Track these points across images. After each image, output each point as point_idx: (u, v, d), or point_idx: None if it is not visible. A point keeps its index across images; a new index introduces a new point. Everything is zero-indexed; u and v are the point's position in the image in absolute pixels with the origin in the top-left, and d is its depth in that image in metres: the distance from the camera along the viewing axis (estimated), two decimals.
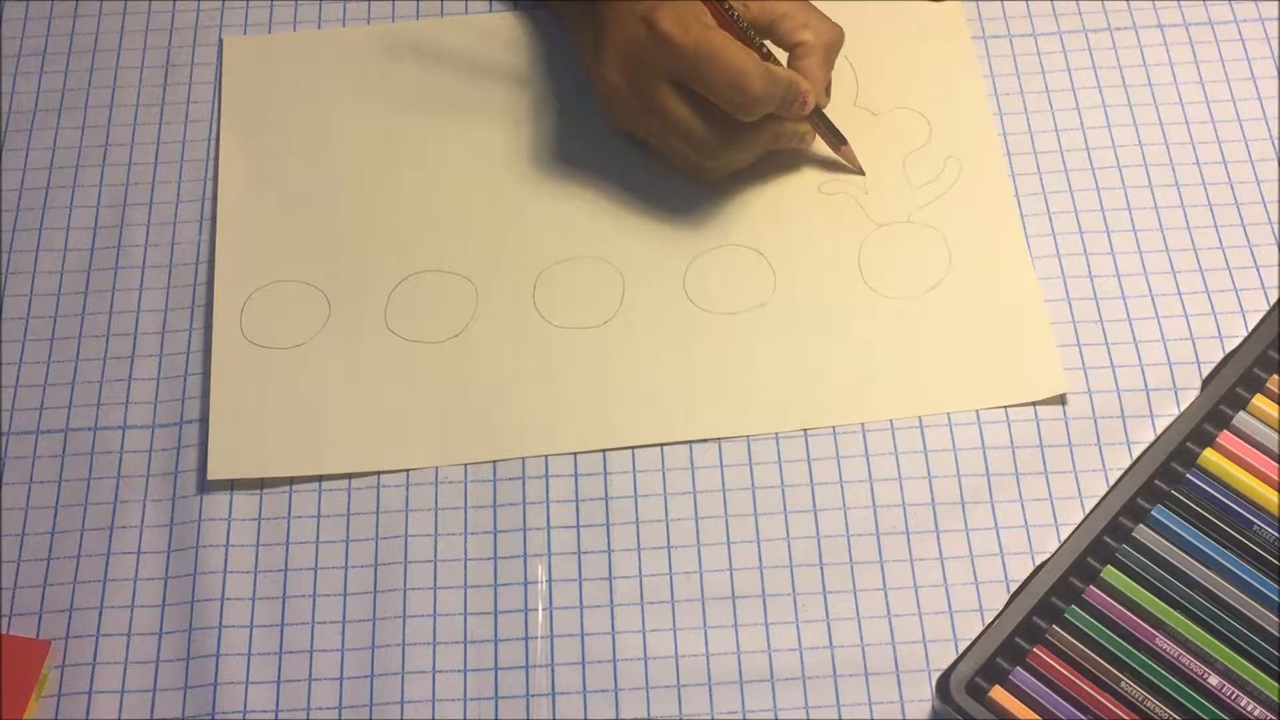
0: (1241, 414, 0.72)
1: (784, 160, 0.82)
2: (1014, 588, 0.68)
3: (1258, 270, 0.78)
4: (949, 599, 0.70)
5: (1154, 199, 0.80)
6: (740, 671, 0.69)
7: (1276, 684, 0.65)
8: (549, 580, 0.71)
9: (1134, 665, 0.66)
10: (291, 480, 0.74)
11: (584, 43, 0.81)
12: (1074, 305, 0.77)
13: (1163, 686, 0.65)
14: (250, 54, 0.87)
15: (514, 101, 0.85)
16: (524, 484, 0.74)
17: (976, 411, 0.74)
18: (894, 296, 0.78)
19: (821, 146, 0.81)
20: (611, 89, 0.78)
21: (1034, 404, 0.74)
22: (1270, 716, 0.64)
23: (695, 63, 0.74)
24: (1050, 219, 0.80)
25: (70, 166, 0.84)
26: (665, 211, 0.81)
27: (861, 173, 0.81)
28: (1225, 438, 0.71)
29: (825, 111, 0.80)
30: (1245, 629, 0.66)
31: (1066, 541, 0.69)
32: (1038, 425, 0.74)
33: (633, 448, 0.74)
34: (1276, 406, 0.72)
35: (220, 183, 0.83)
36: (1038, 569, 0.68)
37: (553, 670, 0.69)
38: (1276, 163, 0.81)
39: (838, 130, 0.80)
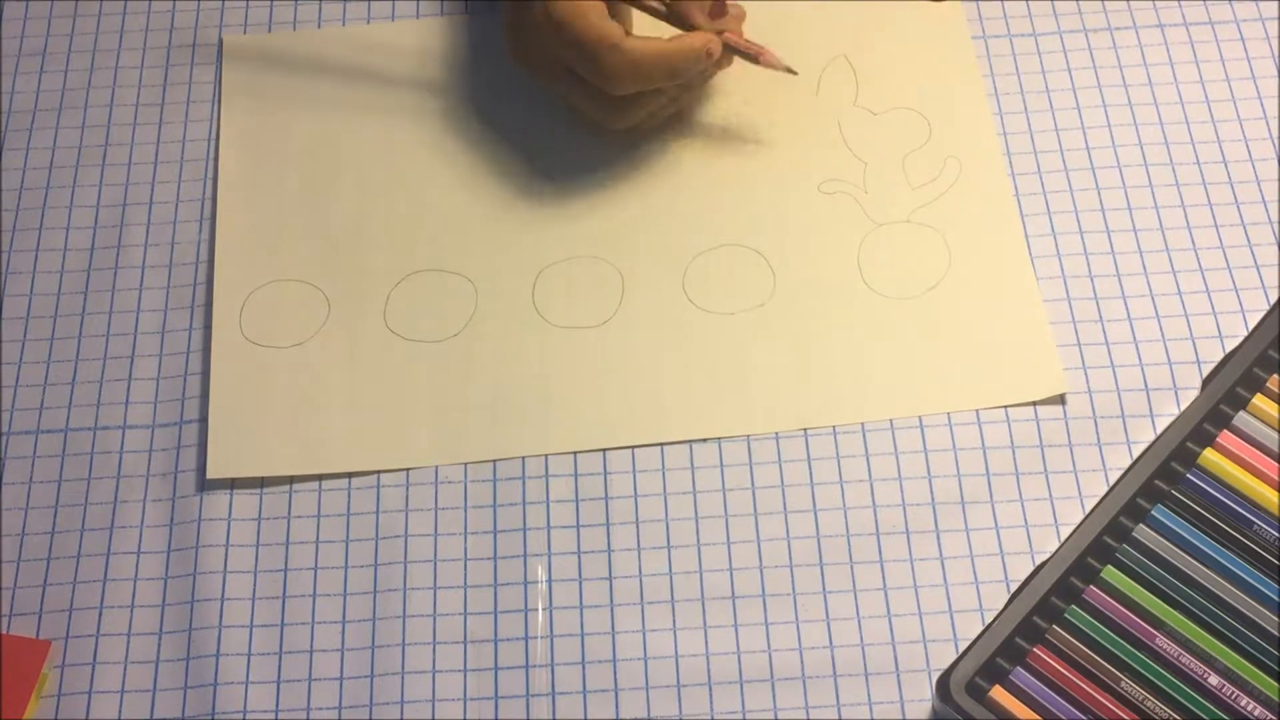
0: (1241, 414, 0.72)
1: (784, 159, 0.82)
2: (1014, 588, 0.68)
3: (1258, 270, 0.78)
4: (949, 599, 0.70)
5: (1154, 199, 0.80)
6: (740, 671, 0.69)
7: (1276, 684, 0.65)
8: (549, 580, 0.71)
9: (1134, 665, 0.66)
10: (291, 480, 0.74)
11: (504, 28, 0.82)
12: (1074, 305, 0.77)
13: (1163, 686, 0.65)
14: (250, 54, 0.87)
15: (513, 101, 0.85)
16: (524, 484, 0.74)
17: (976, 411, 0.74)
18: (894, 296, 0.78)
19: (751, 73, 0.82)
20: (524, 67, 0.80)
21: (1034, 404, 0.74)
22: (1270, 716, 0.64)
23: (563, 43, 0.75)
24: (1050, 219, 0.80)
25: (70, 166, 0.84)
26: (665, 211, 0.81)
27: (792, 71, 0.79)
28: (1225, 438, 0.71)
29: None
30: (1245, 629, 0.66)
31: (1066, 541, 0.69)
32: (1038, 425, 0.74)
33: (633, 448, 0.74)
34: (1276, 406, 0.72)
35: (220, 183, 0.83)
36: (1038, 569, 0.68)
37: (553, 670, 0.69)
38: (1276, 162, 0.81)
39: (749, 43, 0.79)
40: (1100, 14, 0.86)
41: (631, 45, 0.75)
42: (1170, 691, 0.65)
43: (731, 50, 0.79)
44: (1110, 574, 0.68)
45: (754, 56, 0.79)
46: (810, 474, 0.73)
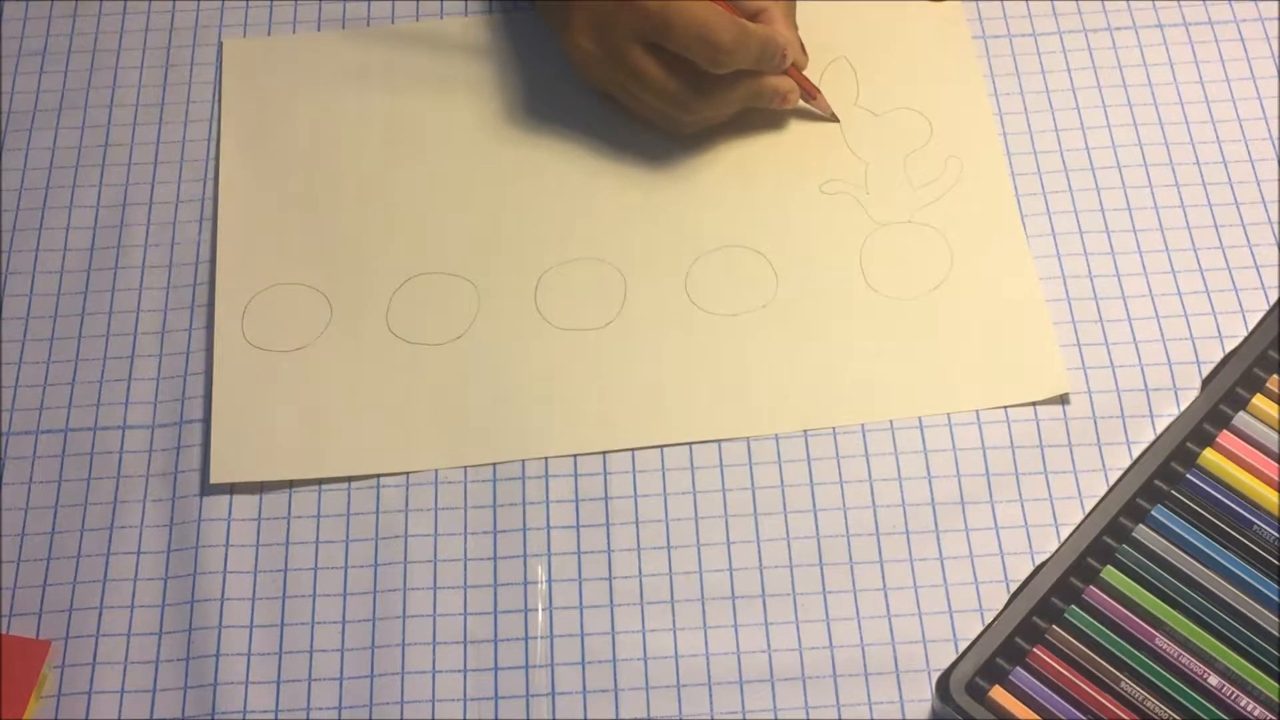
0: (1241, 414, 0.72)
1: (785, 160, 0.82)
2: (1014, 588, 0.68)
3: (1258, 270, 0.78)
4: (949, 599, 0.70)
5: (1154, 199, 0.80)
6: (740, 671, 0.69)
7: (1276, 684, 0.65)
8: (549, 580, 0.71)
9: (1134, 665, 0.66)
10: (291, 481, 0.74)
11: (553, 15, 0.82)
12: (1074, 305, 0.77)
13: (1163, 686, 0.65)
14: (250, 55, 0.87)
15: (514, 103, 0.85)
16: (524, 484, 0.74)
17: (976, 411, 0.74)
18: (895, 296, 0.78)
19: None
20: (583, 54, 0.80)
21: (1035, 404, 0.74)
22: (1270, 716, 0.64)
23: (663, 19, 0.76)
24: (1050, 219, 0.80)
25: (70, 166, 0.84)
26: (667, 213, 0.81)
27: (835, 119, 0.83)
28: (1225, 438, 0.71)
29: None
30: (1245, 629, 0.66)
31: (1066, 541, 0.69)
32: (1038, 425, 0.74)
33: (635, 449, 0.74)
34: (1276, 406, 0.72)
35: (221, 186, 0.83)
36: (1038, 569, 0.68)
37: (553, 670, 0.69)
38: (1276, 163, 0.81)
39: (810, 82, 0.82)
40: (1100, 14, 0.86)
41: (736, 18, 0.77)
42: (1170, 692, 0.65)
43: (796, 81, 0.81)
44: (1110, 574, 0.68)
45: (810, 94, 0.82)
46: (810, 474, 0.73)
